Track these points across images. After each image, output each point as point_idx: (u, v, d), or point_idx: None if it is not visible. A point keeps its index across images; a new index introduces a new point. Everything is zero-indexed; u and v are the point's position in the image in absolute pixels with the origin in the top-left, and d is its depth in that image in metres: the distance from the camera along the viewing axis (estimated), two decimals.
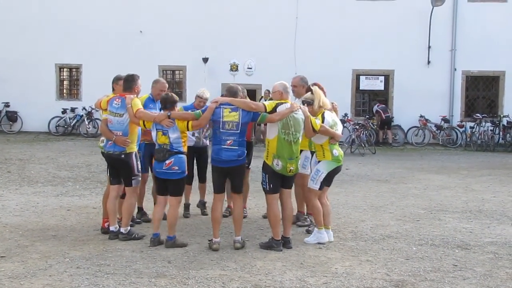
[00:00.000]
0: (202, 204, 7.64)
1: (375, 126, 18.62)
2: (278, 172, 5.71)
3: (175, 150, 5.74)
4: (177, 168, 5.73)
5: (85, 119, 19.73)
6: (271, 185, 5.77)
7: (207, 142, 7.36)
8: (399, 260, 5.56)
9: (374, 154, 16.40)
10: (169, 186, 5.89)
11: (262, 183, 5.87)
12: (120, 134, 6.07)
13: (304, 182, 6.48)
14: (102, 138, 6.55)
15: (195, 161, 7.30)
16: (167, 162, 5.73)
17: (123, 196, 6.37)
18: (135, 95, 6.11)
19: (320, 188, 6.11)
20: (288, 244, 5.92)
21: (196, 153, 7.20)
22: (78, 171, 11.59)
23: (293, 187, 6.20)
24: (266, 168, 5.77)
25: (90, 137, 18.91)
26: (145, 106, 6.41)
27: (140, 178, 6.20)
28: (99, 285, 4.65)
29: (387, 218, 7.53)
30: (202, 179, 7.57)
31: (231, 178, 5.83)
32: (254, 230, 6.74)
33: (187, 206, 7.52)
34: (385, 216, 7.70)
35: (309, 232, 6.53)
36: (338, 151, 6.16)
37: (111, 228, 6.16)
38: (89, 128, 19.59)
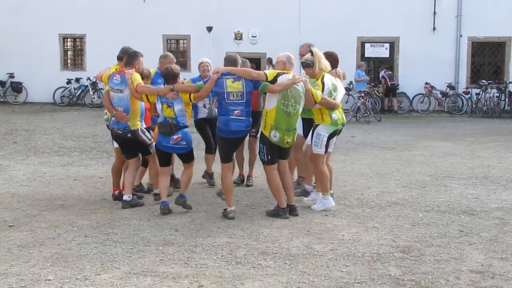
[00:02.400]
0: (209, 176, 7.61)
1: (381, 94, 18.46)
2: (275, 143, 5.67)
3: (181, 124, 5.76)
4: (184, 143, 5.82)
5: (90, 89, 19.64)
6: (269, 156, 5.75)
7: (211, 108, 7.30)
8: (405, 226, 5.55)
9: (379, 122, 16.30)
10: (180, 157, 6.00)
11: (259, 153, 5.84)
12: (122, 110, 6.03)
13: (298, 145, 6.43)
14: (106, 111, 6.54)
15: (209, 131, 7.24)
16: (174, 137, 5.76)
17: (144, 164, 6.49)
18: (133, 70, 6.02)
19: (325, 152, 6.14)
20: (294, 211, 5.92)
21: (209, 123, 7.16)
22: (84, 141, 11.58)
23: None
24: (263, 139, 5.73)
25: (95, 107, 18.84)
26: (153, 81, 6.37)
27: (154, 145, 6.19)
28: (107, 253, 4.66)
29: (393, 185, 7.52)
30: (211, 149, 7.55)
31: (237, 147, 5.81)
32: (260, 198, 6.75)
33: (211, 175, 7.49)
34: (391, 183, 7.70)
35: (302, 194, 6.50)
36: (337, 114, 6.09)
37: (125, 198, 6.16)
38: (94, 98, 19.50)
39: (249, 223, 5.63)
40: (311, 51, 6.01)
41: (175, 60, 6.83)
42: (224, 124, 5.69)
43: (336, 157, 9.80)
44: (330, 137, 6.12)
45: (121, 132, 6.09)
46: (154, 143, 6.18)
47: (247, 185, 7.45)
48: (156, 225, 5.52)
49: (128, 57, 6.10)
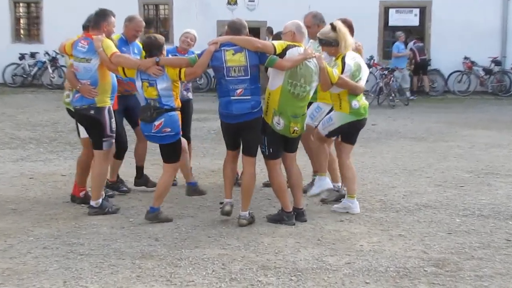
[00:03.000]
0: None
1: (409, 71, 18.44)
2: (279, 133, 5.68)
3: (165, 107, 5.65)
4: (169, 129, 5.68)
5: (49, 67, 19.59)
6: (271, 149, 5.76)
7: (190, 95, 7.33)
8: (439, 234, 5.57)
9: (406, 106, 16.33)
10: (162, 151, 5.90)
11: (260, 146, 5.86)
12: (88, 83, 5.99)
13: (308, 135, 6.50)
14: (67, 92, 6.50)
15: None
16: (156, 123, 5.67)
17: (118, 155, 6.56)
18: (103, 36, 5.96)
19: (328, 136, 6.28)
20: (302, 216, 5.95)
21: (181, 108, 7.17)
22: (41, 130, 11.58)
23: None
24: (264, 127, 5.72)
25: (56, 88, 18.75)
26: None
27: (113, 140, 6.15)
28: (71, 269, 4.67)
29: (423, 184, 7.55)
30: (186, 140, 7.56)
31: (243, 136, 5.78)
32: (260, 200, 6.77)
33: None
34: (421, 181, 7.71)
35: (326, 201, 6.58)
36: (359, 102, 6.13)
37: (92, 203, 6.17)
38: (53, 77, 19.47)
39: (246, 230, 5.64)
40: (332, 26, 5.98)
41: (144, 23, 6.85)
42: (224, 107, 5.68)
43: (354, 150, 9.74)
44: (345, 129, 6.17)
45: (84, 108, 6.00)
46: (112, 140, 6.11)
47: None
48: (131, 234, 5.53)
49: (95, 17, 6.02)
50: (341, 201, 6.35)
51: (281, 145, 5.82)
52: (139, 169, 7.20)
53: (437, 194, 7.05)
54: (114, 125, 6.14)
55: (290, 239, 5.41)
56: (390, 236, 5.51)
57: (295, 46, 5.66)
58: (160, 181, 5.93)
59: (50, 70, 19.57)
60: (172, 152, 5.86)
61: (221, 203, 5.87)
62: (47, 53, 19.63)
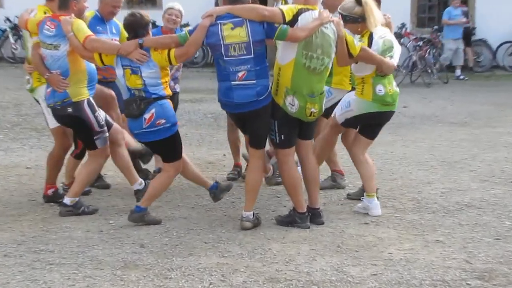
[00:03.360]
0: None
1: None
2: (292, 115, 5.70)
3: (154, 96, 5.66)
4: (163, 121, 5.69)
5: (10, 36, 19.53)
6: (283, 136, 5.78)
7: (178, 87, 7.33)
8: (484, 240, 5.57)
9: (446, 84, 16.29)
10: (159, 150, 5.93)
11: (268, 133, 5.85)
12: (59, 73, 5.99)
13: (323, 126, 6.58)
14: (27, 77, 6.49)
15: None
16: (146, 116, 5.65)
17: (78, 156, 6.52)
18: (73, 16, 5.95)
19: (344, 126, 6.34)
20: (318, 217, 5.97)
21: None
22: (2, 113, 11.60)
23: None
24: (274, 110, 5.74)
25: (19, 62, 18.65)
26: (90, 28, 6.08)
27: (106, 134, 6.15)
28: (38, 281, 4.68)
29: (466, 179, 7.55)
30: None
31: (249, 126, 5.79)
32: (267, 198, 6.78)
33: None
34: (463, 176, 7.72)
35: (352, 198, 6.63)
36: (386, 88, 6.11)
37: (66, 200, 6.19)
38: (16, 49, 19.39)
39: (250, 235, 5.66)
40: (357, 0, 5.93)
41: None
42: (223, 94, 5.67)
43: (381, 137, 9.75)
44: (363, 119, 6.18)
45: (59, 107, 6.04)
46: (105, 133, 6.13)
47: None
48: (111, 239, 5.54)
49: None
50: (362, 200, 6.38)
51: (294, 131, 5.82)
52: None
53: (483, 191, 7.05)
54: (102, 117, 6.14)
55: (304, 245, 5.42)
56: (426, 242, 5.52)
57: (308, 9, 5.61)
58: (156, 181, 5.95)
59: (12, 40, 19.47)
60: (171, 148, 5.85)
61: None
62: (8, 19, 19.55)
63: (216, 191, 6.16)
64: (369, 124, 6.25)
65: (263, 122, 5.73)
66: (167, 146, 5.83)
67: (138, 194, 6.32)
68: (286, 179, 5.90)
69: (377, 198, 6.31)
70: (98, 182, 7.10)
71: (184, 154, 6.02)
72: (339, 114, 6.27)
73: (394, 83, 6.25)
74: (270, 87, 5.69)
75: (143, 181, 6.47)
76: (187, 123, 10.88)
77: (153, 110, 5.65)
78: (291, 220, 5.89)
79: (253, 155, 5.86)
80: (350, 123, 6.27)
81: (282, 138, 5.78)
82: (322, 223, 5.92)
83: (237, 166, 7.63)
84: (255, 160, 5.86)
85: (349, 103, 6.17)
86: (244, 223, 5.79)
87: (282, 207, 6.41)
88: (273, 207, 6.48)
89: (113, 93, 6.68)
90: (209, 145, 9.43)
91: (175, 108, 7.09)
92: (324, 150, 6.51)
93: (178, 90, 7.37)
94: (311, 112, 5.73)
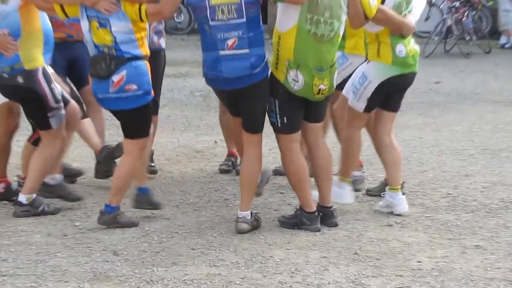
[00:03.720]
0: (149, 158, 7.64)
1: (490, 1, 18.22)
2: (297, 94, 5.70)
3: (127, 55, 5.67)
4: (135, 87, 5.70)
5: None
6: (285, 119, 5.81)
7: (163, 42, 7.28)
8: None
9: (488, 54, 16.25)
10: (124, 121, 5.92)
11: (269, 114, 5.87)
12: (7, 33, 5.94)
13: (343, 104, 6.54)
14: None
15: None
16: (115, 79, 5.65)
17: (37, 141, 6.40)
18: None
19: (367, 110, 6.19)
20: (331, 218, 5.97)
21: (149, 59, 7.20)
22: None
23: None
24: (275, 87, 5.78)
25: None
26: None
27: (63, 112, 6.12)
28: None
29: None
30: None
31: (242, 106, 5.79)
32: (268, 195, 6.77)
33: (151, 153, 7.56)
34: (509, 167, 7.73)
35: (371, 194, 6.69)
36: (406, 47, 6.11)
37: (21, 198, 6.18)
38: None
39: (248, 239, 5.66)
40: None
41: None
42: (209, 67, 5.67)
43: (409, 120, 9.82)
44: (386, 88, 6.16)
45: (6, 76, 5.97)
46: (61, 111, 6.10)
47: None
48: (78, 245, 5.53)
49: None
50: (383, 196, 6.38)
51: (299, 113, 5.82)
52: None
53: None
54: (58, 91, 6.09)
55: (314, 252, 5.40)
56: (463, 248, 5.50)
57: None
58: (120, 168, 5.95)
59: None
60: (139, 122, 5.85)
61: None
62: None
63: (141, 196, 6.13)
64: (389, 93, 6.21)
65: (259, 101, 5.75)
66: (136, 118, 5.83)
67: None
68: (290, 171, 5.88)
69: (403, 194, 6.31)
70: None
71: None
72: (356, 99, 6.20)
73: (412, 40, 6.22)
74: (265, 55, 5.70)
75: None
76: (169, 102, 10.87)
77: (123, 72, 5.65)
78: (297, 222, 5.89)
79: (249, 142, 5.85)
80: (373, 101, 6.19)
81: (285, 121, 5.78)
82: (336, 225, 5.93)
83: (231, 155, 7.62)
84: (251, 148, 5.85)
85: (364, 75, 6.15)
86: (240, 225, 5.77)
87: (286, 205, 6.41)
88: (275, 206, 6.47)
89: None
90: (197, 130, 9.43)
91: (163, 69, 7.10)
92: (351, 156, 6.40)
93: (163, 46, 7.30)
94: (320, 89, 5.72)
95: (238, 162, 7.37)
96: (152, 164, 7.48)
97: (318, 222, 5.87)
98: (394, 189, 6.24)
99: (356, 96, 6.17)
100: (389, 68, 6.09)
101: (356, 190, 6.70)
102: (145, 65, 5.76)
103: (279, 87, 5.72)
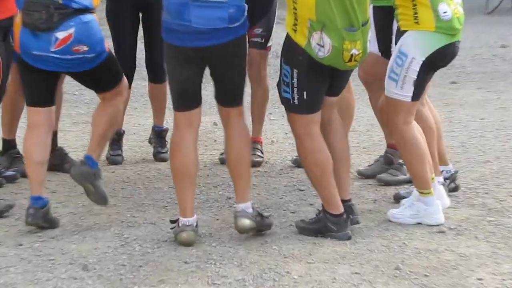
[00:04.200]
0: (158, 137, 7.70)
1: None
2: (322, 62, 5.74)
3: (75, 6, 5.74)
4: (85, 48, 5.84)
5: None
6: (305, 94, 5.86)
7: None
8: None
9: None
10: (84, 80, 6.14)
11: (280, 88, 5.91)
12: None
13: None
14: None
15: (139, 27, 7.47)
16: (60, 35, 5.71)
17: None
18: None
19: (416, 97, 6.19)
20: (350, 214, 6.00)
21: (137, 8, 7.32)
22: None
23: None
24: (292, 52, 5.82)
25: None
26: None
27: None
28: None
29: None
30: (156, 73, 7.80)
31: (215, 73, 5.86)
32: (283, 192, 6.84)
33: (117, 137, 7.72)
34: None
35: (400, 199, 6.65)
36: (450, 7, 6.10)
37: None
38: None
39: (257, 250, 5.68)
40: None
41: None
42: (173, 13, 5.68)
43: (465, 94, 9.76)
44: (434, 64, 6.18)
45: None
46: None
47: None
48: (36, 256, 5.53)
49: None
50: (401, 203, 6.40)
51: (323, 86, 5.87)
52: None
53: None
54: None
55: (342, 267, 5.40)
56: None
57: None
58: (98, 114, 6.20)
59: None
60: (101, 76, 6.06)
61: (174, 221, 5.88)
62: None
63: (82, 169, 6.12)
64: (428, 67, 6.19)
65: (238, 64, 5.82)
66: (95, 77, 6.02)
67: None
68: (310, 162, 5.91)
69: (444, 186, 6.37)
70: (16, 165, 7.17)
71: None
72: (399, 87, 6.16)
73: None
74: (245, 9, 5.75)
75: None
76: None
77: (71, 30, 5.73)
78: (320, 227, 5.91)
79: (229, 118, 5.93)
80: (422, 85, 6.17)
81: (304, 96, 5.80)
82: (357, 222, 5.98)
83: (256, 141, 7.70)
84: (233, 124, 5.91)
85: (402, 53, 6.10)
86: (242, 222, 5.78)
87: (307, 206, 6.46)
88: (292, 207, 6.51)
89: None
90: None
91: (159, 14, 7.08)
92: (419, 159, 6.28)
93: None
94: (352, 55, 5.73)
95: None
96: (118, 153, 7.52)
97: (347, 227, 5.89)
98: (425, 192, 6.22)
99: (397, 83, 6.13)
100: (433, 36, 6.07)
101: (453, 190, 6.73)
102: (96, 20, 5.88)
103: (299, 53, 5.74)
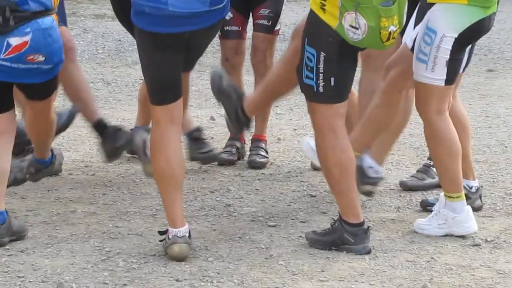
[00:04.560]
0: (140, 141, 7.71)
1: None
2: (358, 46, 5.82)
3: (34, 8, 5.77)
4: (41, 58, 5.90)
5: None
6: (332, 80, 5.91)
7: None
8: None
9: None
10: (26, 90, 6.13)
11: (302, 74, 5.90)
12: None
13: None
14: None
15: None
16: (13, 42, 5.75)
17: None
18: None
19: (450, 81, 6.22)
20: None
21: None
22: None
23: None
24: (321, 35, 5.87)
25: None
26: None
27: None
28: None
29: None
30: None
31: (188, 56, 5.92)
32: (292, 198, 6.85)
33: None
34: None
35: (428, 207, 6.69)
36: None
37: None
38: None
39: (261, 266, 5.69)
40: None
41: None
42: None
43: (504, 84, 9.76)
44: (467, 41, 6.21)
45: None
46: None
47: (253, 165, 7.65)
48: (4, 273, 5.52)
49: None
50: (431, 210, 6.42)
51: (353, 70, 5.96)
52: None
53: None
54: None
55: (361, 285, 5.42)
56: None
57: None
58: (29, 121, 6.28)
59: None
60: (45, 88, 6.18)
61: (163, 232, 5.93)
62: None
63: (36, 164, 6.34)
64: (462, 46, 6.22)
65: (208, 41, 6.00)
66: (39, 89, 6.10)
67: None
68: (332, 162, 5.96)
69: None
70: None
71: None
72: (430, 69, 6.15)
73: None
74: None
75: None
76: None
77: (27, 37, 5.75)
78: (335, 239, 5.94)
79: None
80: (456, 66, 6.19)
81: (332, 83, 5.84)
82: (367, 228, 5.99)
83: (234, 138, 7.75)
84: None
85: (431, 29, 6.11)
86: (176, 248, 5.80)
87: (319, 214, 6.49)
88: (302, 215, 6.54)
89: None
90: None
91: None
92: (454, 161, 6.33)
93: None
94: (390, 32, 5.77)
95: (248, 149, 7.44)
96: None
97: (368, 239, 5.92)
98: (454, 196, 6.25)
99: (427, 65, 6.14)
100: (465, 10, 6.07)
101: (476, 209, 6.68)
102: (56, 26, 5.92)
103: (329, 34, 5.78)
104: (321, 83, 5.83)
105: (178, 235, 5.76)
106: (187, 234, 5.80)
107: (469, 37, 6.15)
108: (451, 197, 6.23)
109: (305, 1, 6.51)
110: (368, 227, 5.94)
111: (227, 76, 6.50)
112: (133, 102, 8.99)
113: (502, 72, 9.52)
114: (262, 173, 7.36)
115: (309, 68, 5.84)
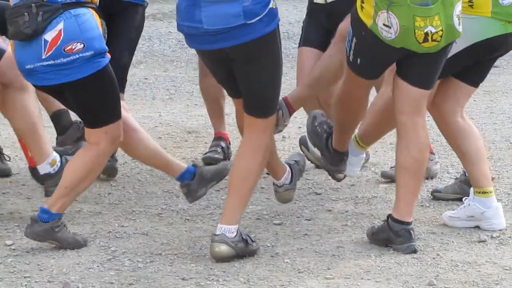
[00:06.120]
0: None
1: None
2: (393, 45, 5.84)
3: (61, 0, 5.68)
4: (80, 45, 5.74)
5: None
6: (359, 60, 6.00)
7: None
8: None
9: None
10: (73, 103, 5.97)
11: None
12: None
13: None
14: None
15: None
16: (48, 37, 5.67)
17: None
18: None
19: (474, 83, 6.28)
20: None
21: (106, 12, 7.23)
22: None
23: None
24: (358, 26, 5.96)
25: None
26: None
27: None
28: None
29: None
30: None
31: (241, 77, 5.81)
32: (297, 195, 6.78)
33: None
34: None
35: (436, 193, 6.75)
36: None
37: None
38: None
39: (266, 264, 5.68)
40: None
41: None
42: (183, 13, 5.78)
43: (504, 80, 9.72)
44: (476, 54, 6.18)
45: None
46: None
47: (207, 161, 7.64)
48: (10, 274, 5.52)
49: None
50: (461, 205, 6.39)
51: (384, 66, 6.07)
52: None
53: None
54: None
55: (367, 283, 5.43)
56: None
57: None
58: (76, 163, 6.00)
59: None
60: (98, 99, 5.88)
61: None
62: None
63: (192, 182, 6.19)
64: (479, 61, 6.24)
65: (264, 69, 5.77)
66: (90, 94, 5.84)
67: (48, 182, 6.38)
68: (342, 101, 6.16)
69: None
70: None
71: (128, 115, 6.07)
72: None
73: None
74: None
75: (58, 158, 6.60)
76: (147, 58, 10.88)
77: (60, 26, 5.67)
78: (386, 236, 5.93)
79: (251, 126, 5.89)
80: (461, 59, 6.17)
81: (358, 62, 5.94)
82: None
83: (219, 137, 7.76)
84: (252, 134, 5.91)
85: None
86: (216, 247, 5.76)
87: (324, 212, 6.48)
88: (307, 213, 6.53)
89: None
90: (188, 101, 9.47)
91: (136, 26, 7.21)
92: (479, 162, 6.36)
93: None
94: (426, 33, 5.74)
95: (233, 150, 7.44)
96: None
97: (414, 238, 5.89)
98: (484, 192, 6.25)
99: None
100: (487, 23, 6.07)
101: None
102: (91, 13, 5.79)
103: (363, 29, 5.85)
104: (351, 56, 5.96)
105: (217, 232, 5.77)
106: (231, 235, 5.73)
107: (479, 51, 6.17)
108: (479, 192, 6.24)
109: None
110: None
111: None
112: (137, 101, 8.98)
113: (507, 68, 9.49)
114: (267, 172, 7.36)
115: (348, 39, 5.99)
